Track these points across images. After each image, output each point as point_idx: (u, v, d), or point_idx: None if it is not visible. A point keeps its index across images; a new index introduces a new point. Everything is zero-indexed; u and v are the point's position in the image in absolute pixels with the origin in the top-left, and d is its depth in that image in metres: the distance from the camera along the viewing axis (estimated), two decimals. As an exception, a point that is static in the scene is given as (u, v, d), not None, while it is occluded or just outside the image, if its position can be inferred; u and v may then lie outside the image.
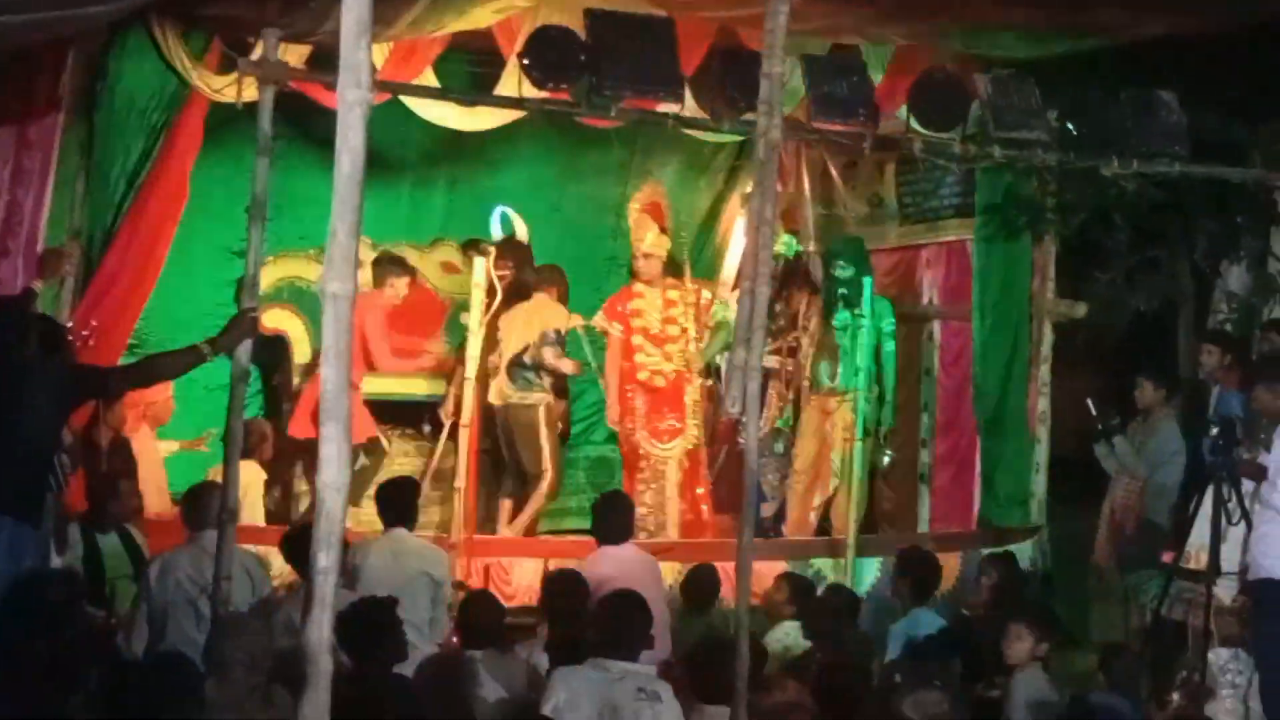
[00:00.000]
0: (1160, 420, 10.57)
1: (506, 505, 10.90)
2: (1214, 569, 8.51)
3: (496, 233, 11.22)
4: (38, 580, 6.67)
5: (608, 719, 6.09)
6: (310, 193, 10.71)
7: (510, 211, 11.41)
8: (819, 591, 9.45)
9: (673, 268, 11.30)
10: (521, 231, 11.39)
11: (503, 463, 11.00)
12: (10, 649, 6.04)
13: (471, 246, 10.99)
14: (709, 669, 6.50)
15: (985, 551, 10.52)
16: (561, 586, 7.94)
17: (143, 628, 7.76)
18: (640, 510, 10.41)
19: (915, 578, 8.91)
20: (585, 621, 7.09)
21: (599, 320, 11.21)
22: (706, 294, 11.50)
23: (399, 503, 8.46)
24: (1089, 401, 10.53)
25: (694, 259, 13.26)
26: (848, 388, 11.19)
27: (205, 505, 7.92)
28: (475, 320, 10.08)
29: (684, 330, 11.14)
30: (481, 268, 10.10)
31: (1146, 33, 9.78)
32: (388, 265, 11.09)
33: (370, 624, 6.52)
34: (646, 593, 7.00)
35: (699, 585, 9.08)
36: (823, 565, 10.56)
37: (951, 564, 10.58)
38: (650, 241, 11.06)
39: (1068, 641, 10.41)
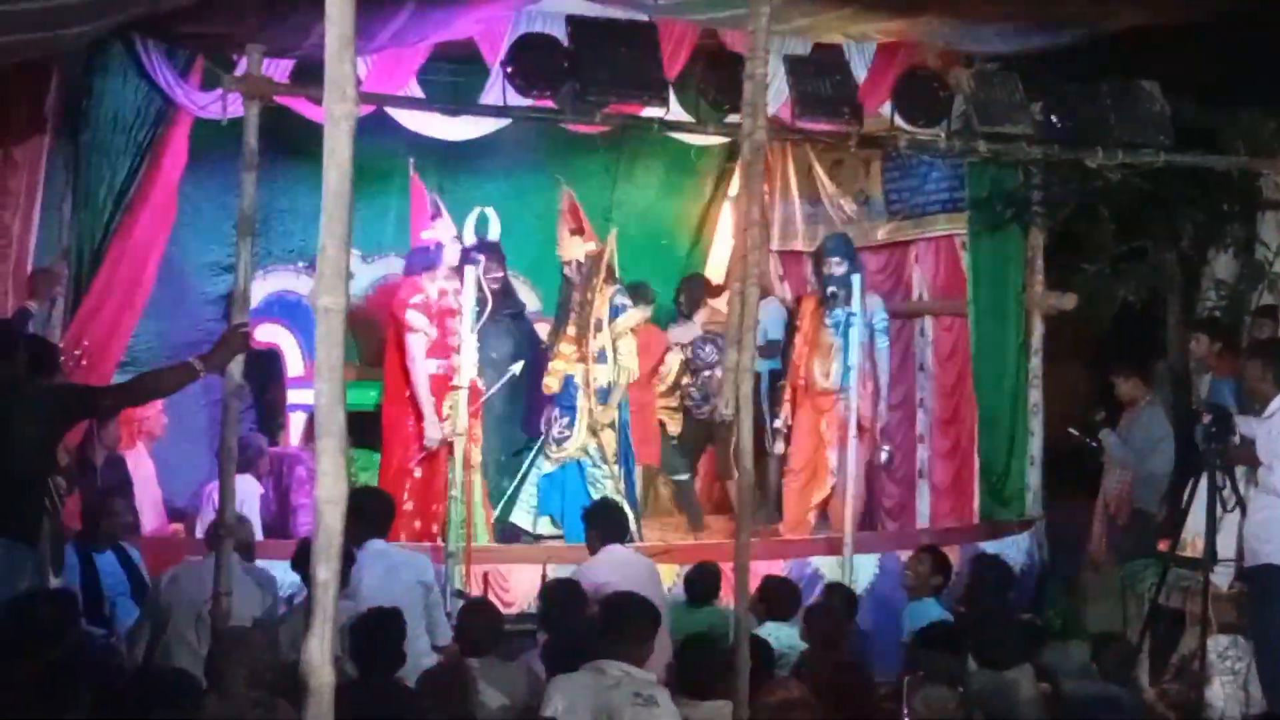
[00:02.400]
0: (1143, 410, 10.66)
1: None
2: (1210, 556, 8.53)
3: (470, 236, 11.21)
4: (32, 600, 6.67)
5: (605, 725, 6.10)
6: (298, 206, 10.72)
7: (490, 212, 11.42)
8: (818, 590, 9.49)
9: None
10: (495, 232, 11.40)
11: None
12: (6, 669, 6.05)
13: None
14: (703, 665, 6.52)
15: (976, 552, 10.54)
16: (559, 595, 7.93)
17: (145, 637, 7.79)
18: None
19: (944, 576, 8.95)
20: (583, 629, 7.09)
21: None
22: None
23: (375, 515, 8.38)
24: (1071, 431, 10.73)
25: (683, 262, 13.29)
26: (842, 385, 11.20)
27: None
28: (467, 328, 10.08)
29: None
30: (472, 277, 10.10)
31: (1125, 23, 9.80)
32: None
33: (379, 635, 6.54)
34: (645, 595, 7.00)
35: (699, 582, 9.08)
36: (821, 564, 10.56)
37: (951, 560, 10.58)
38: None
39: (1064, 633, 10.46)
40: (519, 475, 11.08)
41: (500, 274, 11.10)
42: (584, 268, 10.94)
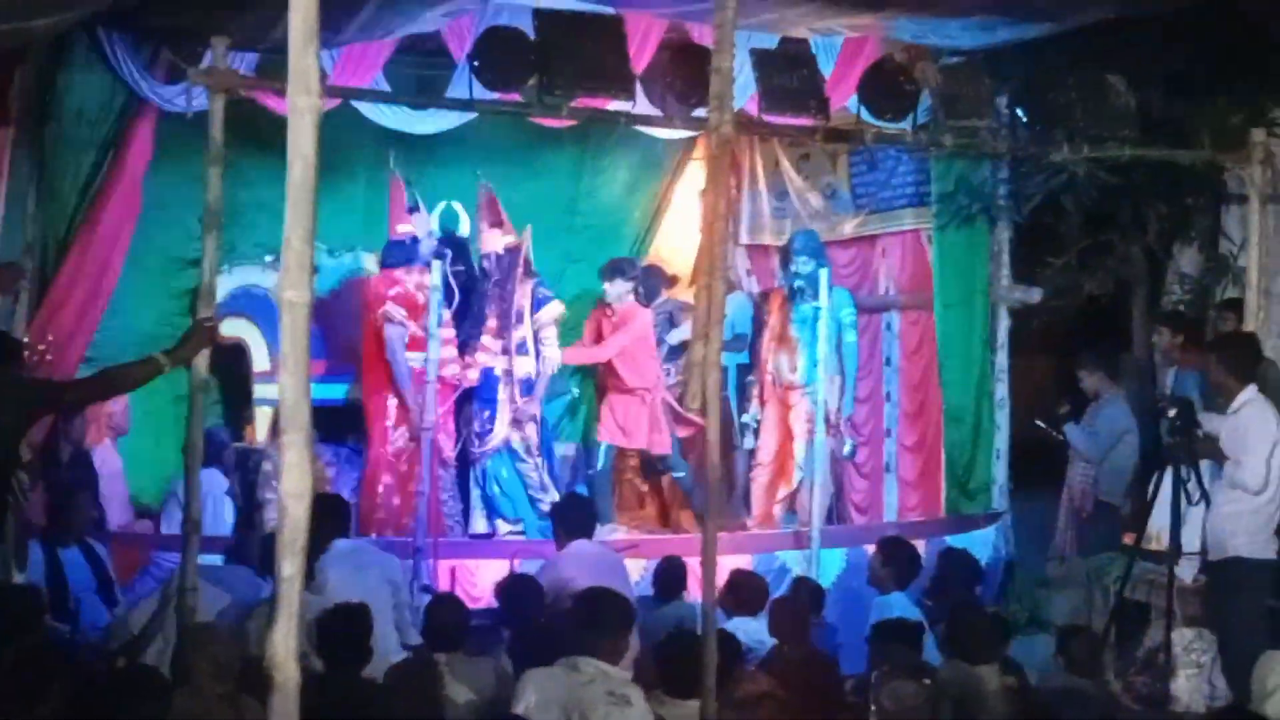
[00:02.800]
0: (1107, 403, 10.71)
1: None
2: (1175, 549, 8.55)
3: (434, 228, 11.25)
4: (-3, 595, 6.65)
5: (576, 722, 6.09)
6: (264, 200, 10.65)
7: (457, 206, 11.46)
8: (785, 584, 9.48)
9: None
10: (465, 227, 11.44)
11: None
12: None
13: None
14: (679, 663, 6.51)
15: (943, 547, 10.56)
16: (515, 591, 7.92)
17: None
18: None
19: (898, 568, 8.94)
20: (542, 625, 7.09)
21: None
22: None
23: (333, 517, 8.28)
24: (1037, 423, 10.78)
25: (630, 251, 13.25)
26: (809, 380, 11.22)
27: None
28: (434, 323, 10.06)
29: None
30: (439, 271, 10.09)
31: (1091, 17, 9.82)
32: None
33: (345, 629, 6.52)
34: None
35: (665, 577, 9.07)
36: (788, 558, 10.56)
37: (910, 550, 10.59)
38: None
39: (1030, 626, 10.49)
40: (455, 485, 11.11)
41: (463, 268, 11.13)
42: (503, 260, 11.00)
